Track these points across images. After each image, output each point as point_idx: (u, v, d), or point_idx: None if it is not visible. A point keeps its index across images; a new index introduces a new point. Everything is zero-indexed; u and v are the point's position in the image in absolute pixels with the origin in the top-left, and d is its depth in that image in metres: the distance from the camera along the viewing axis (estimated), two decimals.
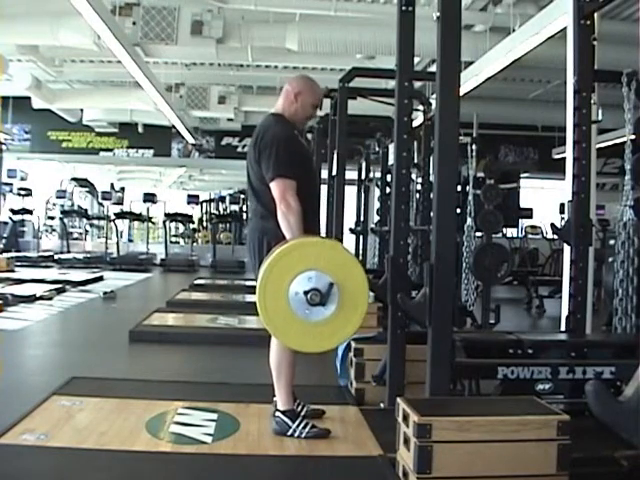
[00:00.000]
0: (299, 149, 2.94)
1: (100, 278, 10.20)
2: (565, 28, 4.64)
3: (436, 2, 2.68)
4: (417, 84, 8.00)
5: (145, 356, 4.94)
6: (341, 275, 2.37)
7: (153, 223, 16.29)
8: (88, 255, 13.03)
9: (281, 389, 2.88)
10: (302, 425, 2.84)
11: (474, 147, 6.64)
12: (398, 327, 3.28)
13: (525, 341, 3.16)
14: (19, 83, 9.98)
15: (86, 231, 16.52)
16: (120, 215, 14.23)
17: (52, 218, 15.83)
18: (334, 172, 6.21)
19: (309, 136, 8.78)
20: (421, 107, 6.10)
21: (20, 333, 5.54)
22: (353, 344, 3.56)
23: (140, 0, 7.22)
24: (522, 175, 13.67)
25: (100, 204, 16.08)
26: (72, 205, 16.20)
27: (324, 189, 7.13)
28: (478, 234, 6.35)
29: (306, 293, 2.34)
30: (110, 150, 14.01)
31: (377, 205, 8.87)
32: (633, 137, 3.81)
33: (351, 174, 8.15)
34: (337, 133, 5.69)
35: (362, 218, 8.79)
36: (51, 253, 13.00)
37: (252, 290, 2.92)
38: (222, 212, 17.54)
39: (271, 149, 2.79)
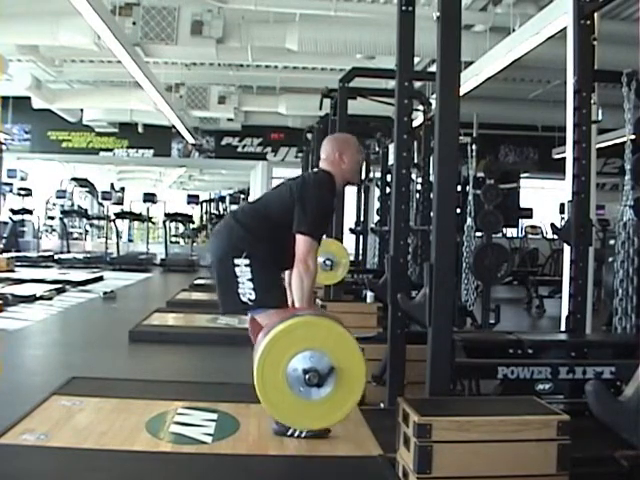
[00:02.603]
0: (330, 217, 3.03)
1: (100, 278, 10.21)
2: (565, 28, 4.64)
3: (436, 2, 2.68)
4: (417, 84, 8.00)
5: (145, 356, 4.94)
6: (343, 361, 2.37)
7: (153, 223, 16.30)
8: (88, 255, 13.04)
9: None
10: None
11: (474, 147, 6.65)
12: (398, 327, 3.28)
13: (525, 341, 3.16)
14: (19, 83, 9.98)
15: (86, 231, 16.53)
16: (120, 215, 14.24)
17: (52, 218, 15.84)
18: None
19: (309, 136, 8.80)
20: (421, 107, 6.11)
21: (20, 333, 5.55)
22: None
23: (140, 0, 7.22)
24: (522, 175, 13.68)
25: (100, 204, 16.09)
26: (72, 205, 16.21)
27: None
28: (478, 234, 6.36)
29: (305, 372, 2.34)
30: (110, 150, 14.01)
31: (377, 205, 8.87)
32: (633, 137, 3.82)
33: None
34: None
35: (362, 218, 8.79)
36: (51, 253, 13.01)
37: None
38: (222, 212, 17.54)
39: (316, 205, 2.75)
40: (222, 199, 19.35)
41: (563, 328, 3.66)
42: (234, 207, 15.89)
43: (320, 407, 2.38)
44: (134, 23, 7.16)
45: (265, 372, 2.35)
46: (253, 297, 2.72)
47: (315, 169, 3.15)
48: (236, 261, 2.72)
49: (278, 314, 2.60)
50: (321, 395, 2.35)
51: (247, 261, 2.72)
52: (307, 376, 2.33)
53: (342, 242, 5.67)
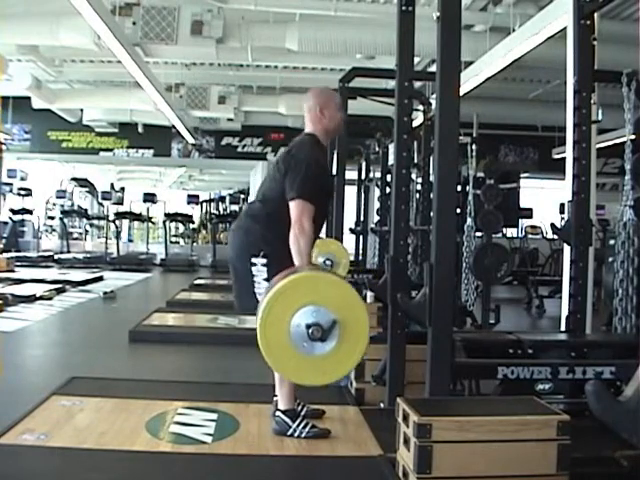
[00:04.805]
0: (324, 174, 2.94)
1: (100, 278, 10.20)
2: (565, 28, 4.64)
3: (436, 2, 2.68)
4: (417, 84, 8.00)
5: (145, 356, 4.94)
6: (345, 313, 2.36)
7: (153, 223, 16.29)
8: (88, 255, 13.03)
9: (284, 389, 2.88)
10: (302, 425, 2.84)
11: (474, 147, 6.64)
12: (398, 327, 3.28)
13: (525, 341, 3.16)
14: (19, 83, 9.97)
15: (86, 231, 16.53)
16: (120, 215, 14.23)
17: (52, 218, 15.83)
18: (334, 172, 6.21)
19: None
20: (421, 107, 6.11)
21: (20, 333, 5.54)
22: None
23: (140, 0, 7.22)
24: (522, 175, 13.67)
25: (100, 204, 16.09)
26: (72, 205, 16.20)
27: None
28: (478, 234, 6.36)
29: (308, 327, 2.32)
30: (110, 150, 13.99)
31: (377, 205, 8.87)
32: (633, 137, 3.81)
33: (351, 174, 8.16)
34: None
35: (362, 218, 8.80)
36: (51, 253, 13.00)
37: None
38: (222, 212, 17.54)
39: (300, 168, 2.76)
40: (222, 199, 19.36)
41: (563, 328, 3.66)
42: (234, 207, 15.97)
43: (324, 362, 2.37)
44: (134, 23, 7.16)
45: (268, 329, 2.33)
46: None
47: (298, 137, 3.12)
48: (253, 260, 2.73)
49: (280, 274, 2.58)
50: (325, 350, 2.34)
51: (264, 260, 2.73)
52: (310, 330, 2.31)
53: (342, 242, 5.67)
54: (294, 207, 2.71)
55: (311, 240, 2.70)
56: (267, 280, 2.71)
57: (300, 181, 2.73)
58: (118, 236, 14.24)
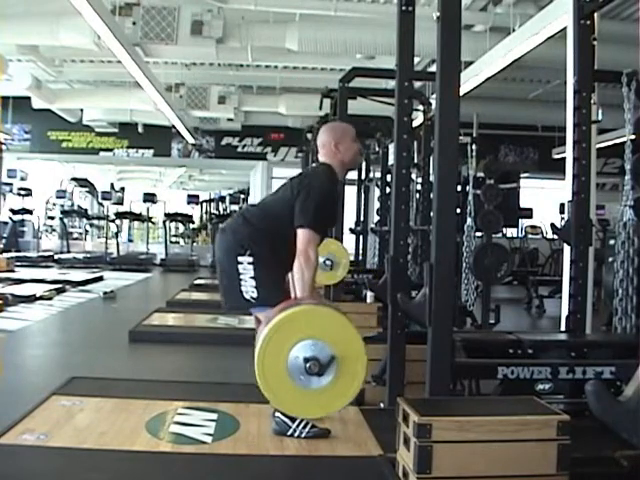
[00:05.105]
0: (334, 206, 2.93)
1: (100, 278, 10.21)
2: (565, 28, 4.65)
3: (436, 2, 2.68)
4: (417, 84, 8.00)
5: (145, 356, 4.94)
6: (344, 350, 2.36)
7: (153, 223, 16.30)
8: (88, 255, 13.04)
9: None
10: (302, 425, 2.84)
11: (474, 147, 6.65)
12: (398, 327, 3.28)
13: (525, 341, 3.16)
14: (19, 83, 9.98)
15: (86, 231, 16.53)
16: (120, 215, 14.23)
17: (52, 218, 15.83)
18: None
19: (309, 136, 8.81)
20: (421, 107, 6.11)
21: (20, 333, 5.55)
22: None
23: (140, 0, 7.22)
24: (522, 175, 13.67)
25: (100, 204, 16.09)
26: (72, 205, 16.20)
27: None
28: (478, 234, 6.36)
29: (306, 360, 2.32)
30: (110, 150, 14.00)
31: (377, 205, 8.87)
32: (633, 137, 3.82)
33: (351, 174, 8.14)
34: None
35: (362, 218, 8.79)
36: (51, 253, 13.01)
37: None
38: (222, 212, 17.53)
39: (314, 197, 2.74)
40: (222, 199, 19.35)
41: (563, 328, 3.66)
42: (234, 207, 15.98)
43: (320, 396, 2.37)
44: (134, 23, 7.16)
45: (266, 360, 2.33)
46: (255, 295, 2.72)
47: (314, 164, 3.14)
48: (239, 258, 2.73)
49: (280, 305, 2.59)
50: (321, 384, 2.34)
51: (250, 259, 2.72)
52: (307, 365, 2.31)
53: (342, 242, 5.67)
54: (302, 235, 2.69)
55: (315, 270, 2.70)
56: (253, 278, 2.72)
57: (313, 211, 2.71)
58: (118, 236, 14.25)
